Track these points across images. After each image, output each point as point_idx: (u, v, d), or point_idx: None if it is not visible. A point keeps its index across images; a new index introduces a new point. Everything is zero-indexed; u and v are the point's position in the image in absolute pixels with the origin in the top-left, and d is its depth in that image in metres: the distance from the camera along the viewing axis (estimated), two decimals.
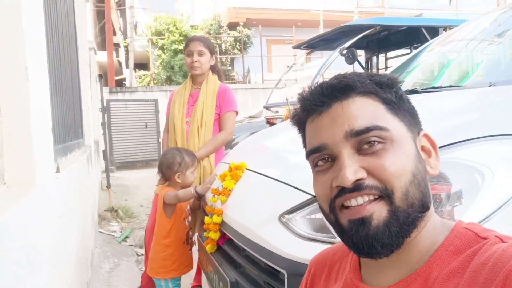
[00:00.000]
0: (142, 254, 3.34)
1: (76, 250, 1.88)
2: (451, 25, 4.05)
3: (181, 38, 12.02)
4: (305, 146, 0.65)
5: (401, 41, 4.56)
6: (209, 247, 1.65)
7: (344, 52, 3.91)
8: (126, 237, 3.76)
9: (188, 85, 2.53)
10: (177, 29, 12.13)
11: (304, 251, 1.11)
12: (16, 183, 1.00)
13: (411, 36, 4.34)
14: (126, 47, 13.80)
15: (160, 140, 9.68)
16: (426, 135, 0.62)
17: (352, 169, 0.54)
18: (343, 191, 0.56)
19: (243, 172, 1.66)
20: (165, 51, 12.11)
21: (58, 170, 1.55)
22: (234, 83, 12.65)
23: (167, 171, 2.11)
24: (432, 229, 0.57)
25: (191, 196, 2.04)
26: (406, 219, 0.54)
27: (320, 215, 1.15)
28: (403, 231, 0.54)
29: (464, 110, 1.30)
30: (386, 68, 4.99)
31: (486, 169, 1.00)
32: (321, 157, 0.59)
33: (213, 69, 2.54)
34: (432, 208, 0.58)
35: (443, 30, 4.08)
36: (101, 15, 13.37)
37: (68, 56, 2.62)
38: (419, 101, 1.69)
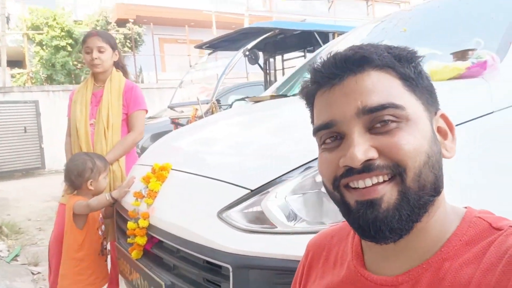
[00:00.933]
0: (38, 272, 3.01)
1: None
2: (339, 31, 4.49)
3: (63, 33, 10.98)
4: (312, 122, 0.60)
5: (296, 44, 4.88)
6: (134, 253, 1.57)
7: (247, 53, 4.03)
8: (16, 255, 3.33)
9: (90, 83, 2.33)
10: (57, 23, 11.03)
11: (246, 244, 1.14)
12: None
13: (305, 39, 4.68)
14: None
15: (43, 145, 8.82)
16: (443, 115, 0.58)
17: (362, 148, 0.50)
18: (350, 171, 0.52)
19: (169, 172, 1.61)
20: (45, 47, 10.92)
21: None
22: (127, 77, 11.99)
23: (78, 178, 1.93)
24: (444, 216, 0.55)
25: (105, 204, 1.90)
26: (417, 201, 0.51)
27: (258, 208, 1.19)
28: (413, 214, 0.51)
29: None
30: (283, 69, 5.29)
31: None
32: (330, 134, 0.55)
33: (117, 65, 2.38)
34: (443, 193, 0.55)
35: (332, 35, 4.49)
36: None
37: None
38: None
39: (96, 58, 2.22)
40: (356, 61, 0.54)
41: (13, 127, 8.51)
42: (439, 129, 0.57)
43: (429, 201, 0.52)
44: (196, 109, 3.51)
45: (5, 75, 9.56)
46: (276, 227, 1.14)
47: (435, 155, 0.53)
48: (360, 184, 0.52)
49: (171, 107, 4.57)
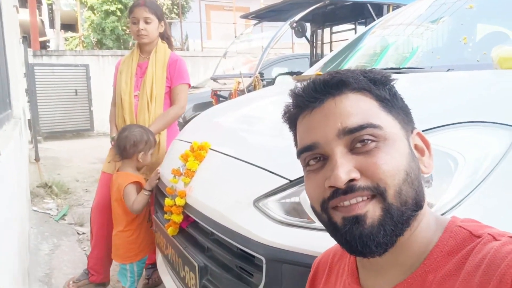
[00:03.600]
0: (83, 233, 3.16)
1: (17, 235, 1.71)
2: (394, 3, 4.18)
3: None
4: (296, 145, 0.64)
5: (346, 16, 4.63)
6: (170, 230, 1.58)
7: (294, 25, 3.87)
8: (64, 215, 3.52)
9: (135, 54, 2.32)
10: None
11: (282, 237, 1.10)
12: None
13: (357, 11, 4.42)
14: (50, 5, 12.50)
15: (92, 108, 9.16)
16: (419, 134, 0.62)
17: (345, 169, 0.54)
18: (336, 192, 0.55)
19: (207, 152, 1.58)
20: (95, 11, 11.17)
21: None
22: (172, 49, 12.11)
23: (132, 148, 1.98)
24: (426, 228, 0.57)
25: (146, 200, 1.96)
26: (400, 217, 0.54)
27: (297, 199, 1.14)
28: (397, 229, 0.54)
29: (432, 95, 1.33)
30: (331, 42, 5.06)
31: (458, 154, 1.04)
32: (313, 156, 0.58)
33: (162, 36, 2.35)
34: (426, 206, 0.58)
35: (387, 8, 4.20)
36: None
37: None
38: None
39: (142, 29, 2.20)
40: (334, 85, 0.57)
41: (65, 90, 8.85)
42: (416, 147, 0.60)
43: (412, 216, 0.55)
44: (239, 83, 3.44)
45: (59, 38, 9.91)
46: (314, 222, 1.08)
47: (413, 171, 0.56)
48: (346, 203, 0.55)
49: (214, 79, 4.53)
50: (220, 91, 4.23)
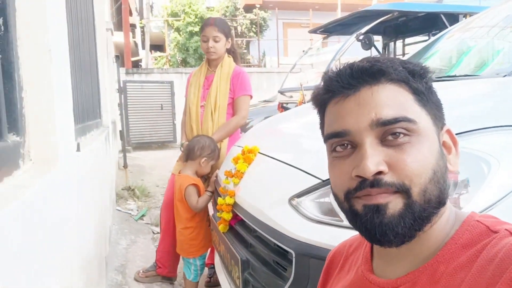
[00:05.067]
0: (157, 232, 3.44)
1: (95, 226, 1.97)
2: (471, 12, 3.96)
3: (196, 20, 11.99)
4: (321, 128, 0.63)
5: (420, 27, 4.48)
6: (221, 227, 1.71)
7: (361, 37, 3.86)
8: (143, 215, 3.87)
9: (204, 68, 2.55)
10: (192, 10, 12.08)
11: (312, 233, 1.16)
12: (40, 160, 1.06)
13: (430, 22, 4.25)
14: (142, 28, 13.84)
15: (176, 122, 9.87)
16: (448, 131, 0.60)
17: (374, 160, 0.53)
18: (363, 183, 0.54)
19: (256, 155, 1.70)
20: (181, 33, 12.10)
21: (78, 149, 1.62)
22: (250, 66, 12.61)
23: (199, 151, 2.18)
24: (445, 223, 0.57)
25: (209, 199, 2.13)
26: (421, 213, 0.53)
27: (328, 199, 1.19)
28: (416, 224, 0.53)
29: (475, 100, 1.30)
30: (403, 54, 4.92)
31: (492, 158, 1.02)
32: (341, 142, 0.57)
33: (229, 51, 2.54)
34: (448, 202, 0.57)
35: (463, 17, 3.99)
36: None
37: (86, 37, 2.67)
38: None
39: (211, 47, 2.41)
40: (373, 73, 0.55)
41: (152, 104, 9.67)
42: (444, 144, 0.59)
43: (434, 213, 0.55)
44: (303, 95, 3.54)
45: (148, 58, 10.88)
46: (342, 221, 1.13)
47: (440, 169, 0.55)
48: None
49: (281, 92, 4.67)
50: (286, 103, 4.35)
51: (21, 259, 0.71)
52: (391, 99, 0.54)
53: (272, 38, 12.50)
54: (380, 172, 0.53)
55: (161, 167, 6.85)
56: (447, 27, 3.83)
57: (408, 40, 4.91)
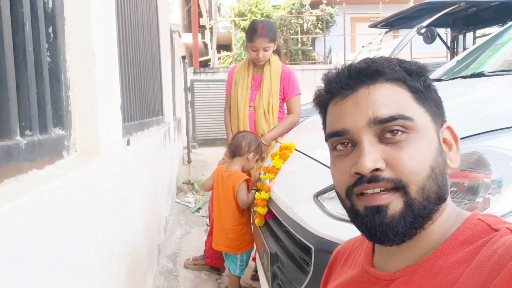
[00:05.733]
0: None
1: (146, 215, 2.13)
2: None
3: (262, 18, 12.13)
4: (324, 128, 0.65)
5: (493, 17, 4.11)
6: (257, 221, 1.76)
7: (423, 31, 3.66)
8: (199, 208, 4.06)
9: (250, 67, 2.56)
10: (259, 10, 12.25)
11: (332, 229, 1.17)
12: (84, 152, 1.20)
13: (504, 12, 3.90)
14: (210, 28, 14.35)
15: None
16: (449, 128, 0.61)
17: (372, 157, 0.54)
18: (360, 179, 0.55)
19: (291, 152, 1.72)
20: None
21: (128, 143, 1.77)
22: (315, 63, 12.48)
23: (248, 146, 2.22)
24: (446, 220, 0.57)
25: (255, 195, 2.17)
26: (421, 211, 0.54)
27: None
28: (417, 222, 0.54)
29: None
30: None
31: None
32: (341, 141, 0.59)
33: (274, 50, 2.54)
34: (448, 199, 0.58)
35: None
36: None
37: (148, 40, 2.87)
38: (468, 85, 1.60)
39: (262, 57, 2.43)
40: (370, 74, 0.57)
41: (217, 103, 9.98)
42: (445, 140, 0.60)
43: (434, 210, 0.56)
44: None
45: (214, 57, 11.26)
46: None
47: (439, 166, 0.56)
48: (369, 191, 0.56)
49: None
50: None
51: (50, 240, 0.82)
52: (388, 98, 0.56)
53: (339, 34, 12.24)
54: (377, 169, 0.54)
55: None
56: None
57: (480, 32, 4.54)
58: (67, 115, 1.15)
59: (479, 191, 1.02)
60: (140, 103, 2.43)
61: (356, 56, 5.12)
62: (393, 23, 4.64)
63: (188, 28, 12.74)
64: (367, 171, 0.54)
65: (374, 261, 0.65)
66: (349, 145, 0.58)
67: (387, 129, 0.55)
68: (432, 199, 0.54)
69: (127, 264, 1.57)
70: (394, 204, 0.54)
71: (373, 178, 0.54)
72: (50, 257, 0.81)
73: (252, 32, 2.46)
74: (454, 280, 0.50)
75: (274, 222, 1.61)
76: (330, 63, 12.43)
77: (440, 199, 0.56)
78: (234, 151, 2.28)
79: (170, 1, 5.81)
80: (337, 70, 0.61)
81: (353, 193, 0.57)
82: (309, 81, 9.66)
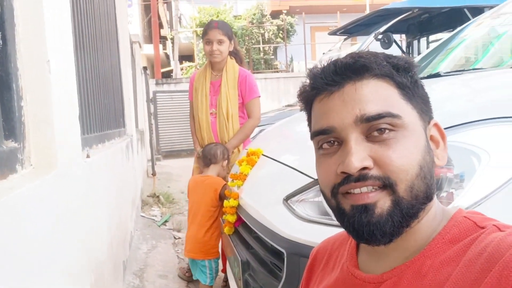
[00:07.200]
0: (179, 238, 3.51)
1: (109, 230, 2.04)
2: (496, 5, 3.80)
3: None
4: (309, 125, 0.63)
5: (444, 23, 4.33)
6: (227, 229, 1.73)
7: (380, 36, 3.80)
8: (166, 221, 3.95)
9: (208, 72, 2.53)
10: (220, 20, 12.29)
11: (303, 233, 1.15)
12: (40, 165, 1.12)
13: (454, 18, 4.12)
14: (172, 39, 14.23)
15: None
16: (436, 124, 0.59)
17: (359, 156, 0.52)
18: (347, 179, 0.54)
19: (259, 157, 1.71)
20: None
21: (88, 156, 1.69)
22: (277, 71, 12.63)
23: (221, 154, 2.31)
24: (432, 218, 0.56)
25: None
26: (409, 210, 0.53)
27: (319, 198, 1.18)
28: (404, 221, 0.53)
29: (467, 94, 1.26)
30: None
31: (482, 151, 0.98)
32: (327, 139, 0.57)
33: (232, 53, 2.54)
34: (435, 197, 0.57)
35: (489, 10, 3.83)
36: (148, 9, 13.85)
37: (107, 50, 2.78)
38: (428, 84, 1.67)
39: (215, 50, 2.40)
40: (356, 69, 0.55)
41: (181, 113, 9.87)
42: (432, 138, 0.58)
43: (421, 208, 0.54)
44: None
45: (177, 68, 11.16)
46: (334, 220, 1.11)
47: (427, 164, 0.54)
48: (356, 190, 0.54)
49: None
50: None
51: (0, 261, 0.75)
52: (375, 95, 0.54)
53: (299, 43, 12.48)
54: (365, 168, 0.53)
55: (187, 175, 6.91)
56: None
57: (432, 37, 4.77)
58: (20, 126, 1.08)
59: (443, 186, 1.04)
60: (101, 114, 2.34)
61: (318, 62, 5.23)
62: (351, 30, 4.79)
63: (149, 39, 12.56)
64: (355, 170, 0.52)
65: (360, 263, 0.62)
66: (336, 143, 0.56)
67: (374, 127, 0.53)
68: (420, 198, 0.53)
69: (91, 282, 1.49)
70: (382, 202, 0.53)
71: (360, 176, 0.53)
72: None
73: (207, 26, 2.49)
74: (443, 280, 0.49)
75: (244, 229, 1.59)
76: (292, 71, 12.63)
77: (428, 198, 0.54)
78: (210, 159, 2.32)
79: (129, 12, 5.70)
80: (322, 66, 0.58)
81: (339, 192, 0.55)
82: (272, 89, 9.76)
